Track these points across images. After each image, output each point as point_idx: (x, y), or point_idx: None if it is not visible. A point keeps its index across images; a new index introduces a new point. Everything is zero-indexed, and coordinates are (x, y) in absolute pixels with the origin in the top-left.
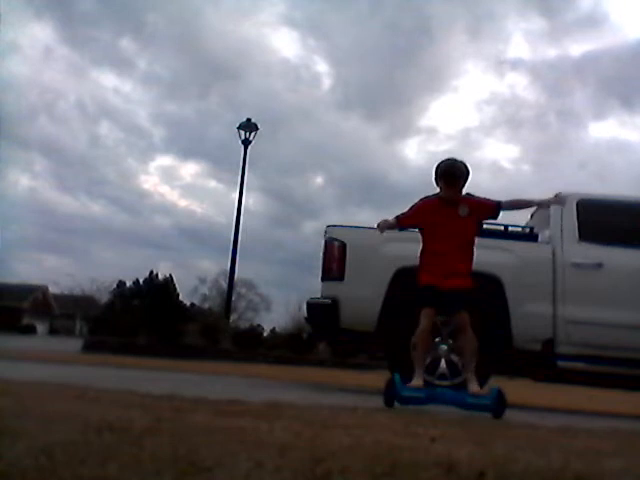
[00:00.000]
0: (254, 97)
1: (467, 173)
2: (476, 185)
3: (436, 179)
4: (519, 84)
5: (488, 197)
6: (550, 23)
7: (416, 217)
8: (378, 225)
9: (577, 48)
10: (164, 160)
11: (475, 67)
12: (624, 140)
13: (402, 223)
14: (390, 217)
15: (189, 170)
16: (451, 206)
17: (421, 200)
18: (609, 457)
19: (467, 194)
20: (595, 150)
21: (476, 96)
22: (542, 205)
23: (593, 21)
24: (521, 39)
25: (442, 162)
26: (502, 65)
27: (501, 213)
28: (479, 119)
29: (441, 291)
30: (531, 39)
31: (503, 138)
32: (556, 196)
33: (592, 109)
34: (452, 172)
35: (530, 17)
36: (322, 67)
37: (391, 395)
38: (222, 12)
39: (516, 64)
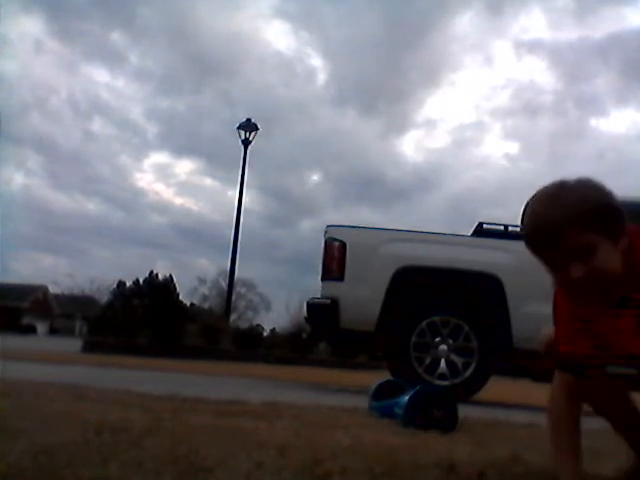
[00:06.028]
0: (248, 92)
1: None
2: (481, 181)
3: None
4: (536, 68)
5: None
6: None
7: None
8: None
9: (602, 28)
10: (158, 157)
11: (482, 57)
12: None
13: None
14: (388, 216)
15: (184, 167)
16: None
17: None
18: (609, 457)
19: None
20: (614, 140)
21: (488, 84)
22: None
23: None
24: (542, 19)
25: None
26: (520, 48)
27: None
28: (488, 108)
29: None
30: (554, 18)
31: (507, 131)
32: None
33: (614, 94)
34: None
35: None
36: (316, 61)
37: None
38: (214, 4)
39: (534, 46)
